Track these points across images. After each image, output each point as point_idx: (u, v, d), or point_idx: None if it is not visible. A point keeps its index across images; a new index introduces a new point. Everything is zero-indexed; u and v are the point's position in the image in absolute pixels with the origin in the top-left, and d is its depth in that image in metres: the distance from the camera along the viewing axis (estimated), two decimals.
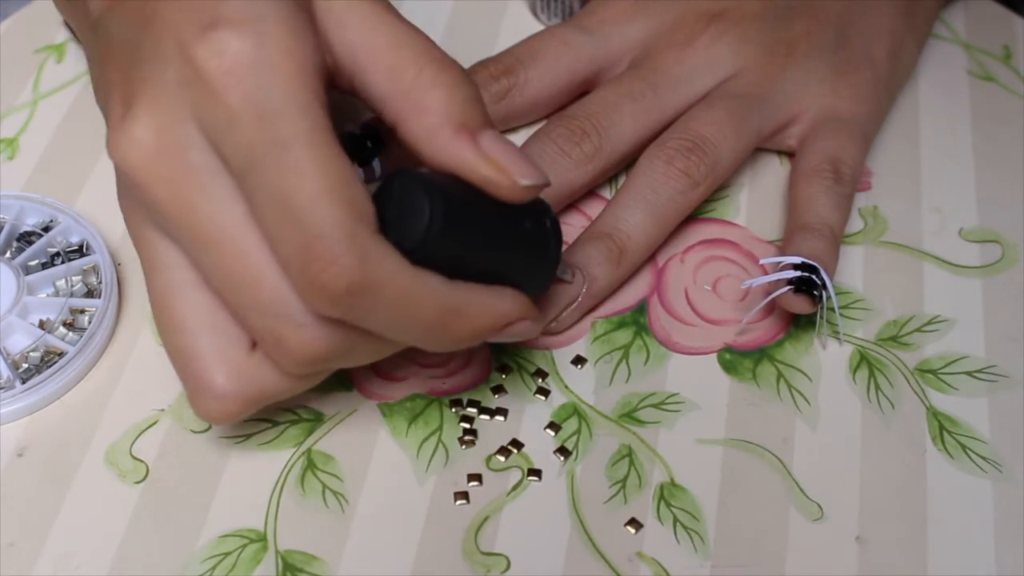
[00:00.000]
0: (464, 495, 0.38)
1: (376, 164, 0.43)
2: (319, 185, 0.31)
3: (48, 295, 0.42)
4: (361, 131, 0.41)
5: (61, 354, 0.40)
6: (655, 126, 0.44)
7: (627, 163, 0.45)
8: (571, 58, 0.46)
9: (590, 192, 0.46)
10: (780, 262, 0.40)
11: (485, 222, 0.34)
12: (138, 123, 0.32)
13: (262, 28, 0.31)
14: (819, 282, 0.40)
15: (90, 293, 0.41)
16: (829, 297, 0.40)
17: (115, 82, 0.33)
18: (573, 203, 0.45)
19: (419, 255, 0.32)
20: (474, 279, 0.34)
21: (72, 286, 0.42)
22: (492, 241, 0.34)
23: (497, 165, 0.33)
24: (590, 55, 0.46)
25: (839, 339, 0.42)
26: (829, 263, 0.41)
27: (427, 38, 0.34)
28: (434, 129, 0.33)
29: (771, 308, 0.42)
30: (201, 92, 0.31)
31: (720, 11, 0.46)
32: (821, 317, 0.42)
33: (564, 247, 0.43)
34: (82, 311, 0.41)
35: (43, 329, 0.40)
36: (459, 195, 0.33)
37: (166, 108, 0.32)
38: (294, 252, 0.31)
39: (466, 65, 0.46)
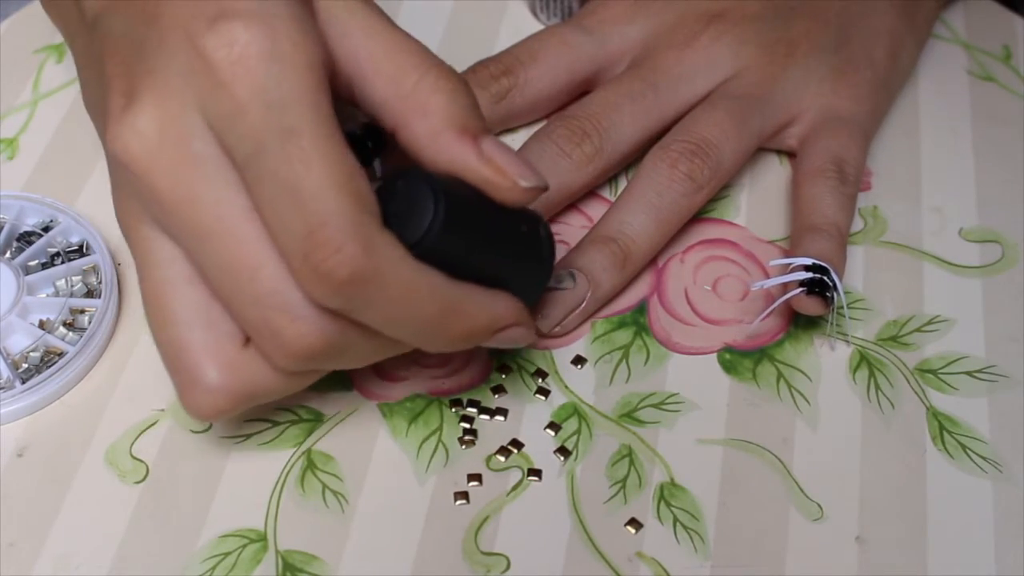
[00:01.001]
0: (464, 495, 0.38)
1: (376, 164, 0.43)
2: (325, 174, 0.31)
3: (48, 295, 0.42)
4: (362, 131, 0.41)
5: (61, 354, 0.40)
6: (655, 127, 0.44)
7: (627, 163, 0.45)
8: (571, 58, 0.46)
9: (591, 192, 0.46)
10: (790, 263, 0.40)
11: (485, 224, 0.34)
12: (142, 113, 0.32)
13: (271, 21, 0.31)
14: (830, 283, 0.40)
15: (90, 293, 0.41)
16: (839, 298, 0.40)
17: (115, 75, 0.33)
18: (573, 203, 0.45)
19: (421, 251, 0.32)
20: (471, 281, 0.34)
21: (72, 286, 0.42)
22: (491, 243, 0.35)
23: (498, 167, 0.34)
24: (590, 55, 0.46)
25: (847, 341, 0.42)
26: (838, 263, 0.41)
27: (425, 47, 0.35)
28: (436, 132, 0.33)
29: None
30: (209, 82, 0.31)
31: (720, 11, 0.46)
32: (831, 320, 0.42)
33: (567, 249, 0.43)
34: (82, 311, 0.41)
35: (43, 329, 0.40)
36: (461, 196, 0.33)
37: (171, 98, 0.32)
38: (297, 240, 0.31)
39: (466, 65, 0.46)
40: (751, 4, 0.46)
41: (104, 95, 0.33)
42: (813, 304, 0.40)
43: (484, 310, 0.34)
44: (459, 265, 0.33)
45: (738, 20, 0.46)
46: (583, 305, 0.41)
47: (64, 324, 0.41)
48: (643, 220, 0.42)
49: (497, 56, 0.46)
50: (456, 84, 0.34)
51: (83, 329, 0.40)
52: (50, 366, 0.39)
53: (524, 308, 0.36)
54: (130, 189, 0.33)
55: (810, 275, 0.40)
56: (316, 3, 0.34)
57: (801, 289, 0.40)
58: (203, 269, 0.33)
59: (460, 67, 0.46)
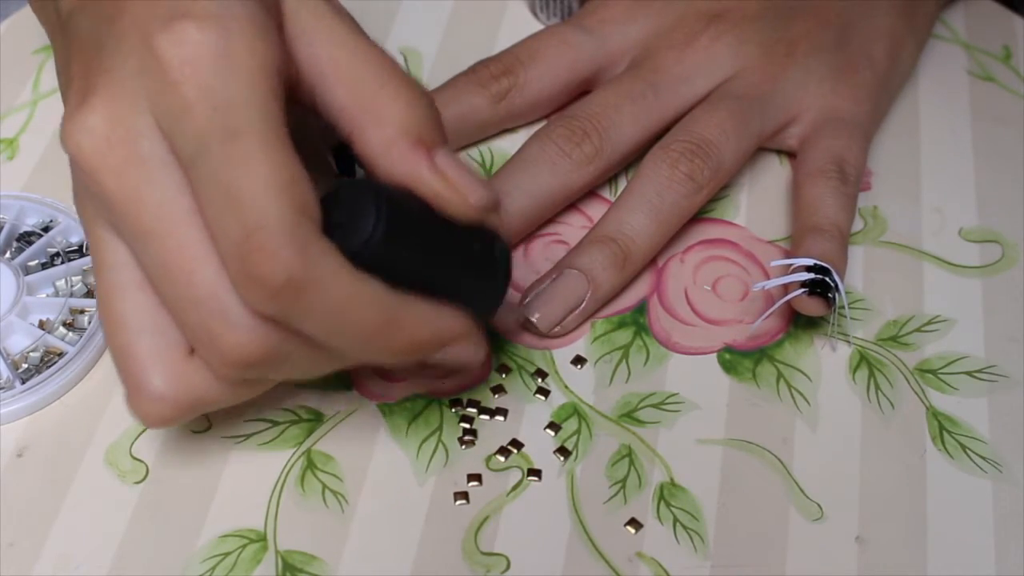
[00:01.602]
0: (464, 495, 0.38)
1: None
2: (265, 178, 0.30)
3: (48, 295, 0.42)
4: None
5: (61, 354, 0.40)
6: (655, 127, 0.44)
7: (627, 163, 0.45)
8: (571, 58, 0.46)
9: (590, 192, 0.46)
10: (792, 264, 0.40)
11: (432, 237, 0.34)
12: (92, 112, 0.32)
13: (227, 24, 0.31)
14: (831, 284, 0.40)
15: (90, 293, 0.41)
16: (840, 298, 0.40)
17: (76, 75, 0.33)
18: (573, 203, 0.45)
19: (362, 259, 0.32)
20: (418, 295, 0.34)
21: (72, 286, 0.42)
22: (437, 257, 0.34)
23: (450, 181, 0.33)
24: (590, 54, 0.46)
25: (848, 342, 0.42)
26: (840, 264, 0.41)
27: (391, 58, 0.34)
28: (390, 141, 0.33)
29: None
30: (158, 80, 0.31)
31: (720, 11, 0.46)
32: (832, 320, 0.41)
33: (566, 249, 0.43)
34: (82, 311, 0.41)
35: (43, 329, 0.40)
36: (408, 207, 0.33)
37: (122, 98, 0.32)
38: (234, 244, 0.30)
39: (466, 65, 0.46)
40: (751, 4, 0.46)
41: (67, 88, 0.34)
42: (815, 305, 0.40)
43: (427, 323, 0.34)
44: (402, 278, 0.33)
45: (738, 20, 0.46)
46: (583, 305, 0.41)
47: (64, 324, 0.41)
48: (643, 220, 0.42)
49: (497, 56, 0.46)
50: (415, 95, 0.34)
51: (83, 329, 0.40)
52: (50, 366, 0.39)
53: (472, 325, 0.35)
54: (86, 187, 0.33)
55: (812, 276, 0.40)
56: (284, 8, 0.34)
57: (803, 290, 0.40)
58: (147, 271, 0.33)
59: (460, 67, 0.46)
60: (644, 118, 0.44)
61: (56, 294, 0.42)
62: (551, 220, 0.45)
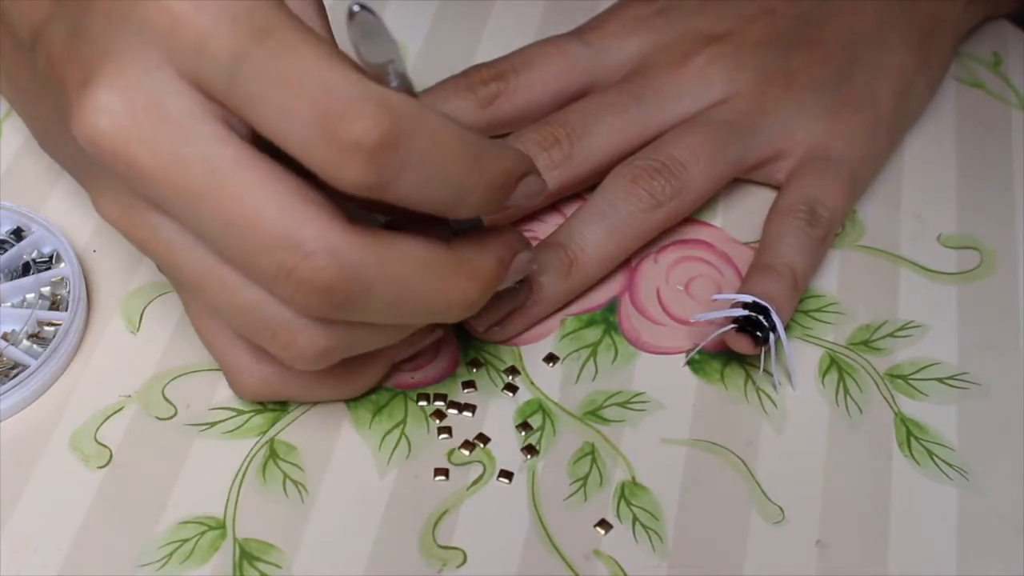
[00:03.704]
0: (444, 472, 0.38)
1: None
2: (314, 55, 0.30)
3: (14, 304, 0.41)
4: None
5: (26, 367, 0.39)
6: (634, 140, 0.43)
7: (603, 175, 0.44)
8: (566, 67, 0.45)
9: (576, 196, 0.45)
10: (732, 299, 0.39)
11: None
12: (102, 89, 0.31)
13: None
14: (767, 324, 0.39)
15: (58, 306, 0.41)
16: (781, 339, 0.39)
17: (68, 72, 0.32)
18: (553, 204, 0.45)
19: None
20: None
21: (40, 298, 0.41)
22: None
23: None
24: (584, 66, 0.45)
25: (791, 384, 0.41)
26: (783, 305, 0.40)
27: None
28: None
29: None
30: (167, 23, 0.30)
31: (722, 33, 0.45)
32: (762, 361, 0.40)
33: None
34: (49, 324, 0.40)
35: (7, 341, 0.40)
36: None
37: (130, 65, 0.31)
38: (312, 127, 0.29)
39: (450, 66, 0.46)
40: (755, 28, 0.45)
41: (62, 99, 0.32)
42: (741, 342, 0.39)
43: (503, 153, 0.33)
44: None
45: (739, 44, 0.45)
46: (527, 308, 0.41)
47: (29, 336, 0.40)
48: (595, 230, 0.41)
49: (493, 61, 0.46)
50: None
51: (50, 341, 0.40)
52: (12, 379, 0.39)
53: (529, 158, 0.35)
54: (117, 181, 0.32)
55: (745, 313, 0.39)
56: None
57: (732, 325, 0.39)
58: (205, 234, 0.32)
59: (445, 62, 0.46)
60: (621, 130, 0.43)
61: (23, 305, 0.41)
62: (528, 218, 0.44)
